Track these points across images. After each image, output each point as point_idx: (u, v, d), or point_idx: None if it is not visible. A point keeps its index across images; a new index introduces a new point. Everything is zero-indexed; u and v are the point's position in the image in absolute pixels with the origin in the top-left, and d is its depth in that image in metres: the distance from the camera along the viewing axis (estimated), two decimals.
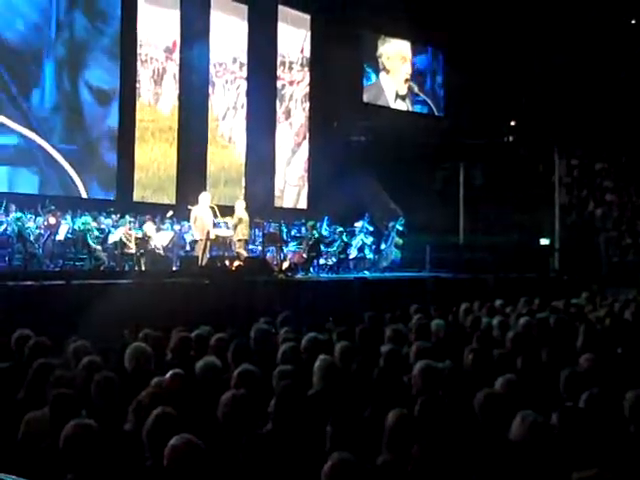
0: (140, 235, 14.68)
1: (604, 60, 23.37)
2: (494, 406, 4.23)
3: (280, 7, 21.36)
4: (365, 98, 23.47)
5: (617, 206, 22.72)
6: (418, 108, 24.51)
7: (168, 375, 4.90)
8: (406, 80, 23.90)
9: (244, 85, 20.63)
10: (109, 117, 17.71)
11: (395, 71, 23.88)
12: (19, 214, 14.19)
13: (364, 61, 23.52)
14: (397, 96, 23.95)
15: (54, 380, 4.66)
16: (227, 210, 14.88)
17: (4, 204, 14.15)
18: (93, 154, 17.40)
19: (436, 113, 25.02)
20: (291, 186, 21.86)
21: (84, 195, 16.99)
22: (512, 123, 25.55)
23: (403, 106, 24.13)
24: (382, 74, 23.79)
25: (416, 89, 24.29)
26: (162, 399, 4.25)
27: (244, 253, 14.45)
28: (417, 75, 24.55)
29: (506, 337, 6.74)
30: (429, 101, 24.54)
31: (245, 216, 14.47)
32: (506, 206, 21.26)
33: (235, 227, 14.45)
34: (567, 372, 4.94)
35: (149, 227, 14.76)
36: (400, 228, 19.17)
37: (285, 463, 3.88)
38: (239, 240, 14.46)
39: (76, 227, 14.35)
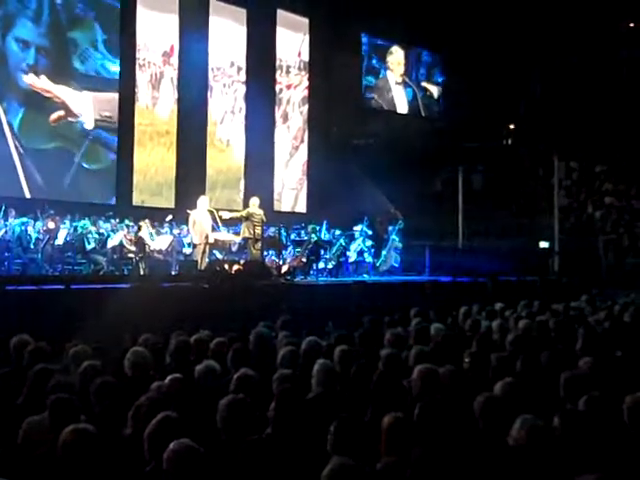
0: (138, 236, 14.67)
1: (603, 63, 23.42)
2: (494, 410, 4.22)
3: (279, 11, 21.39)
4: (369, 96, 23.41)
5: (616, 209, 22.73)
6: (424, 99, 24.27)
7: (167, 379, 4.90)
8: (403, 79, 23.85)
9: (242, 89, 20.65)
10: None
11: (396, 71, 23.86)
12: (23, 219, 14.23)
13: (363, 64, 23.52)
14: (398, 83, 23.77)
15: (53, 385, 4.66)
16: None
17: (3, 208, 14.15)
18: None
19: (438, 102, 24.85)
20: (289, 189, 21.87)
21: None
22: (511, 126, 25.58)
23: (404, 101, 23.89)
24: (388, 72, 23.73)
25: (435, 92, 24.16)
26: (161, 404, 4.25)
27: (253, 252, 14.35)
28: (416, 78, 24.51)
29: (506, 340, 6.75)
30: (430, 88, 24.31)
31: (257, 212, 14.39)
32: (505, 209, 21.30)
33: (240, 221, 14.42)
34: (567, 375, 4.93)
35: (144, 232, 14.74)
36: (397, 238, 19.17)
37: (285, 467, 3.88)
38: (248, 239, 14.37)
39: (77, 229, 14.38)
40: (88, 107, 16.95)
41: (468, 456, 3.84)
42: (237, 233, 15.18)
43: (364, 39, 23.50)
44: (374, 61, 23.58)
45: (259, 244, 14.57)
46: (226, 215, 14.46)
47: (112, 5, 17.82)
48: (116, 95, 17.52)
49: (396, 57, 23.80)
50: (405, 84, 24.08)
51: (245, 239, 14.56)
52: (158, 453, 3.60)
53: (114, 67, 17.53)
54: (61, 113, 16.48)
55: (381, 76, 23.75)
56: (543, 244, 21.31)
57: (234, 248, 15.56)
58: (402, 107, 23.98)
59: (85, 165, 17.14)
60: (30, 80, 16.02)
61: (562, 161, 22.78)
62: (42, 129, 16.33)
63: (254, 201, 14.66)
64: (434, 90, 24.74)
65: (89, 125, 17.04)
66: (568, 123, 23.04)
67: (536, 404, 4.55)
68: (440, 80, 24.99)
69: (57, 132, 16.55)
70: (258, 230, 14.42)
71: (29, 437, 4.13)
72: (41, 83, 16.09)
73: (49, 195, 16.10)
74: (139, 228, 14.80)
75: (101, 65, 17.32)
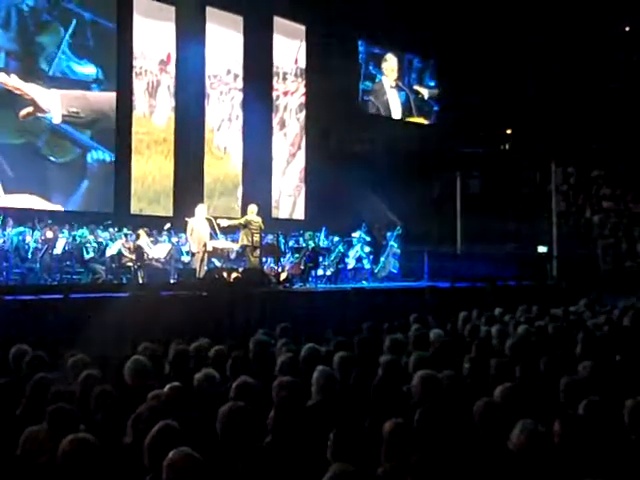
0: (136, 244, 14.66)
1: (599, 67, 23.45)
2: (493, 415, 4.23)
3: (275, 18, 21.44)
4: (366, 99, 23.53)
5: (614, 213, 22.77)
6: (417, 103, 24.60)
7: (167, 388, 4.89)
8: (396, 83, 24.05)
9: (238, 96, 20.67)
10: None
11: (390, 76, 24.03)
12: (21, 228, 14.23)
13: (361, 70, 23.61)
14: (392, 87, 24.01)
15: (52, 395, 4.65)
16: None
17: (1, 218, 14.16)
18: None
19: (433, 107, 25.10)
20: (286, 196, 21.89)
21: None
22: (508, 131, 25.62)
23: (398, 103, 24.10)
24: (383, 77, 23.91)
25: (426, 94, 24.45)
26: (161, 412, 4.25)
27: (251, 259, 14.34)
28: (408, 83, 24.67)
29: (505, 345, 6.75)
30: (421, 91, 24.60)
31: (255, 220, 14.39)
32: (503, 214, 21.31)
33: (238, 229, 14.44)
34: (566, 380, 4.93)
35: (142, 241, 14.74)
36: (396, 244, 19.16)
37: (285, 475, 3.87)
38: (247, 246, 14.37)
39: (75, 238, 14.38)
40: (56, 103, 16.88)
41: (468, 461, 3.84)
42: (235, 241, 15.18)
43: (361, 47, 23.62)
44: (371, 67, 23.72)
45: (257, 252, 14.56)
46: (224, 223, 14.46)
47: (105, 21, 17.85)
48: (85, 93, 17.36)
49: (390, 64, 23.99)
50: (399, 88, 24.20)
51: (243, 247, 14.55)
52: (158, 462, 3.59)
53: (80, 68, 17.37)
54: (30, 109, 16.48)
55: (377, 80, 23.84)
56: (541, 249, 21.33)
57: (232, 256, 15.54)
58: (396, 109, 24.10)
59: (52, 158, 16.93)
60: (2, 79, 16.09)
61: (559, 166, 22.83)
62: (10, 125, 16.31)
63: (252, 208, 14.67)
64: (425, 92, 24.85)
65: (57, 120, 16.94)
66: (565, 128, 23.07)
67: (536, 409, 4.55)
68: (431, 84, 25.05)
69: (25, 127, 16.48)
70: (256, 238, 14.41)
71: (28, 447, 4.12)
72: (12, 82, 16.20)
73: (17, 187, 16.06)
74: (137, 236, 14.79)
75: (67, 66, 17.21)
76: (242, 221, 14.55)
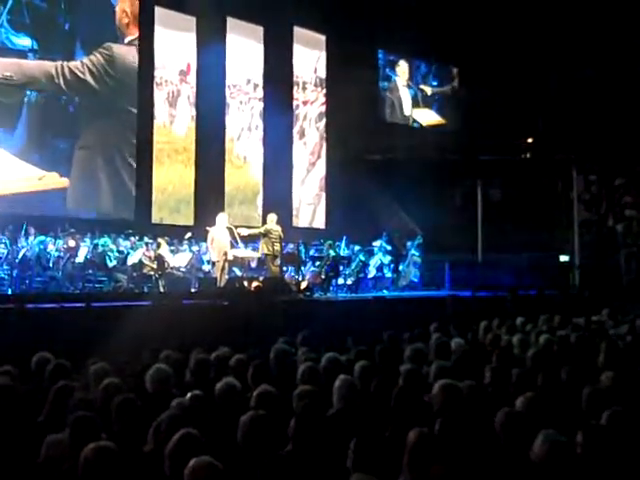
0: (157, 253, 14.73)
1: (622, 74, 23.29)
2: (515, 425, 4.19)
3: (295, 28, 21.54)
4: (383, 95, 23.96)
5: (637, 221, 22.57)
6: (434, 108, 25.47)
7: (188, 396, 4.90)
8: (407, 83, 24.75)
9: (258, 106, 20.77)
10: None
11: (402, 77, 24.75)
12: (42, 237, 14.34)
13: (378, 75, 23.81)
14: (404, 86, 24.80)
15: (74, 403, 4.67)
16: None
17: (24, 227, 14.28)
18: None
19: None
20: (306, 205, 21.93)
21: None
22: (529, 140, 25.50)
23: (408, 99, 24.87)
24: (397, 78, 24.35)
25: (429, 92, 25.42)
26: (182, 420, 4.26)
27: (272, 268, 14.36)
28: (418, 83, 25.02)
29: (526, 355, 6.70)
30: (425, 89, 25.58)
31: (274, 229, 14.42)
32: (524, 223, 21.18)
33: (259, 238, 14.47)
34: (589, 390, 4.89)
35: (163, 250, 14.81)
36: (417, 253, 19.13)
37: None
38: (267, 255, 14.40)
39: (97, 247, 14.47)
40: None
41: (490, 472, 3.81)
42: (256, 249, 15.20)
43: (380, 55, 23.88)
44: (387, 70, 24.51)
45: (278, 261, 14.59)
46: (244, 232, 14.49)
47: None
48: (20, 60, 16.71)
49: (402, 68, 24.77)
50: (409, 86, 24.92)
51: (264, 255, 14.58)
52: (179, 470, 3.59)
53: (18, 40, 16.89)
54: None
55: (392, 80, 24.57)
56: (563, 258, 21.20)
57: (253, 264, 15.59)
58: (407, 103, 24.88)
59: None
60: None
61: (581, 174, 22.68)
62: None
63: (272, 217, 14.70)
64: (428, 90, 25.44)
65: None
66: (586, 136, 22.93)
67: (558, 419, 4.51)
68: (434, 83, 25.49)
69: None
70: (277, 247, 14.44)
71: (51, 455, 4.15)
72: None
73: None
74: (158, 245, 14.87)
75: (6, 38, 16.88)
76: (262, 230, 14.58)
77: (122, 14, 17.92)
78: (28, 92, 16.63)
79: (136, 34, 18.08)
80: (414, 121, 24.81)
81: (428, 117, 25.24)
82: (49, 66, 16.75)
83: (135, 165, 17.94)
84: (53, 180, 16.54)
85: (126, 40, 17.91)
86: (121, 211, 17.63)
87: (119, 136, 17.82)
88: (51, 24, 17.25)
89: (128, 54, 17.98)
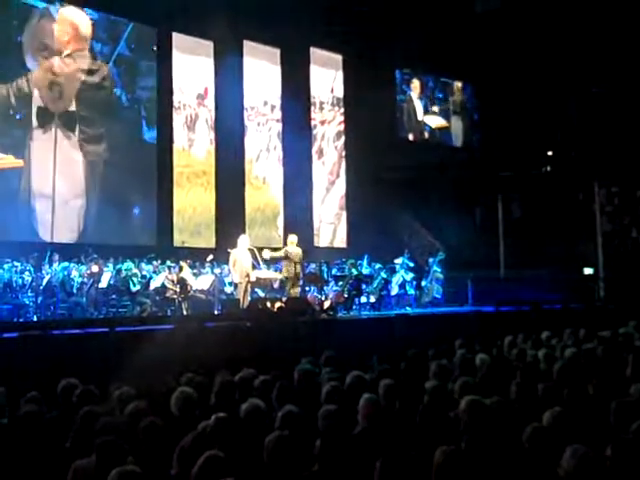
0: (180, 276, 14.78)
1: None
2: (543, 440, 4.15)
3: (312, 49, 21.68)
4: (400, 105, 24.27)
5: None
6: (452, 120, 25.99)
7: (212, 419, 4.90)
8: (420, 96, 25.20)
9: (276, 127, 20.89)
10: None
11: (415, 91, 25.20)
12: (65, 264, 14.45)
13: (396, 91, 23.97)
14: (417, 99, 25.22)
15: (100, 427, 4.68)
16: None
17: (49, 254, 14.41)
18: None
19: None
20: (326, 224, 21.96)
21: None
22: (549, 153, 25.42)
23: (420, 109, 25.21)
24: (411, 92, 24.63)
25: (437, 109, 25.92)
26: (207, 443, 4.25)
27: (291, 292, 14.33)
28: (427, 95, 25.28)
29: (553, 369, 6.64)
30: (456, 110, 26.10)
31: (295, 252, 14.40)
32: (547, 237, 21.09)
33: (279, 261, 14.47)
34: (617, 403, 4.84)
35: (186, 273, 14.85)
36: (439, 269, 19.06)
37: None
38: (287, 278, 14.38)
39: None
40: None
41: None
42: (278, 270, 15.19)
43: (397, 75, 24.01)
44: (403, 86, 24.73)
45: (299, 282, 14.58)
46: (266, 255, 14.46)
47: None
48: None
49: (415, 84, 25.08)
50: (421, 99, 25.15)
51: (285, 278, 14.56)
52: None
53: None
54: None
55: (407, 93, 24.82)
56: (587, 270, 21.04)
57: (276, 285, 15.58)
58: (420, 111, 25.21)
59: None
60: None
61: (602, 187, 22.56)
62: None
63: (292, 239, 14.66)
64: (470, 119, 25.72)
65: None
66: (607, 148, 22.82)
67: (586, 434, 4.46)
68: (476, 109, 25.66)
69: None
70: (298, 269, 14.41)
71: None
72: None
73: None
74: (181, 269, 14.92)
75: None
76: (282, 253, 14.54)
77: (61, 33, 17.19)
78: None
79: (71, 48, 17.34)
80: (425, 124, 25.15)
81: (436, 121, 25.59)
82: None
83: (156, 189, 18.09)
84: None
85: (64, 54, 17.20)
86: (143, 235, 17.75)
87: (140, 160, 17.96)
88: None
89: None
